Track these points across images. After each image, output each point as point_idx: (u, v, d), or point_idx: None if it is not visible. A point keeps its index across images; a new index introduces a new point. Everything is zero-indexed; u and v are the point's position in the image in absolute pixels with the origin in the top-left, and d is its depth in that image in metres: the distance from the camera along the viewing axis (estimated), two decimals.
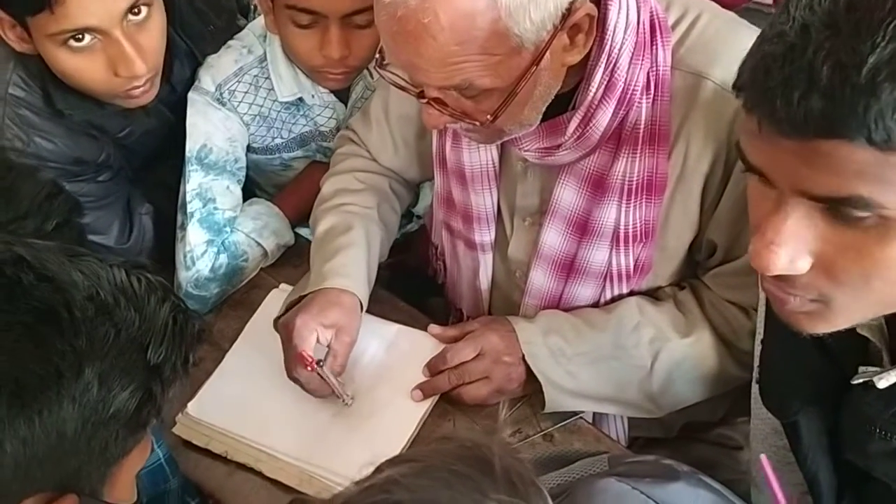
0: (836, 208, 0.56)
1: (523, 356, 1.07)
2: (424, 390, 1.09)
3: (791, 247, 0.58)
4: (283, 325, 1.08)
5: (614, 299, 1.11)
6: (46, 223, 0.86)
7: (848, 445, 0.79)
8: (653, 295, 1.12)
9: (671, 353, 1.06)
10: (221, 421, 1.09)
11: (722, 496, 0.71)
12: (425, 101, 0.92)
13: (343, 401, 1.09)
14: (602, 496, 0.68)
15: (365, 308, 1.14)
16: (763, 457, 0.70)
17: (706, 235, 1.03)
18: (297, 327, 1.06)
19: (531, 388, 1.07)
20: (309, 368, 1.05)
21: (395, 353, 1.16)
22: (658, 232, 1.03)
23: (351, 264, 1.14)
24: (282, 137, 1.40)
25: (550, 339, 1.07)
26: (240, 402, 1.11)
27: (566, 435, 1.03)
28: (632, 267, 1.06)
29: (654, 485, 0.69)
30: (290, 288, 1.21)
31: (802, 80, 0.52)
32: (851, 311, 0.63)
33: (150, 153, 1.36)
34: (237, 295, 1.33)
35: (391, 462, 0.53)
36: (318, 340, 1.07)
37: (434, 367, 1.10)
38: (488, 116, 0.90)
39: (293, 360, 1.06)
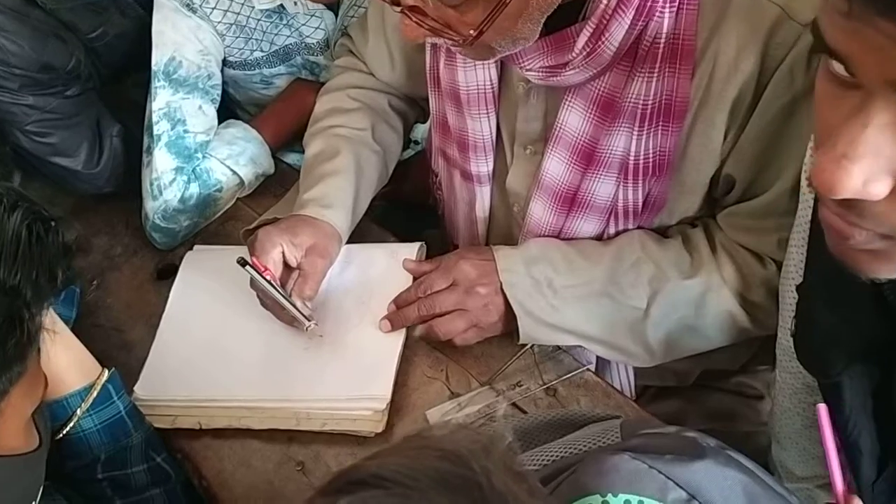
0: None
1: (501, 286, 0.96)
2: (392, 321, 0.99)
3: (867, 163, 0.45)
4: (250, 242, 0.99)
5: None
6: None
7: None
8: (661, 233, 0.99)
9: (670, 294, 0.94)
10: (180, 392, 0.98)
11: (753, 476, 0.60)
12: (400, 9, 0.78)
13: (306, 327, 0.98)
14: (613, 475, 0.58)
15: (345, 240, 1.04)
16: (821, 406, 0.59)
17: (725, 169, 0.90)
18: (259, 238, 0.97)
19: (516, 324, 0.96)
20: (267, 276, 0.94)
21: (371, 276, 1.06)
22: (674, 165, 0.90)
23: (333, 193, 1.03)
24: (262, 50, 1.26)
25: (537, 267, 0.96)
26: (195, 366, 1.00)
27: (571, 389, 0.93)
28: (640, 203, 0.94)
29: (674, 463, 0.58)
30: (206, 248, 1.14)
31: None
32: None
33: (122, 61, 1.24)
34: (211, 226, 1.23)
35: (351, 484, 0.41)
36: (285, 259, 0.97)
37: (404, 300, 1.00)
38: (471, 31, 0.77)
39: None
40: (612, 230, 0.98)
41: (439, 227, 1.26)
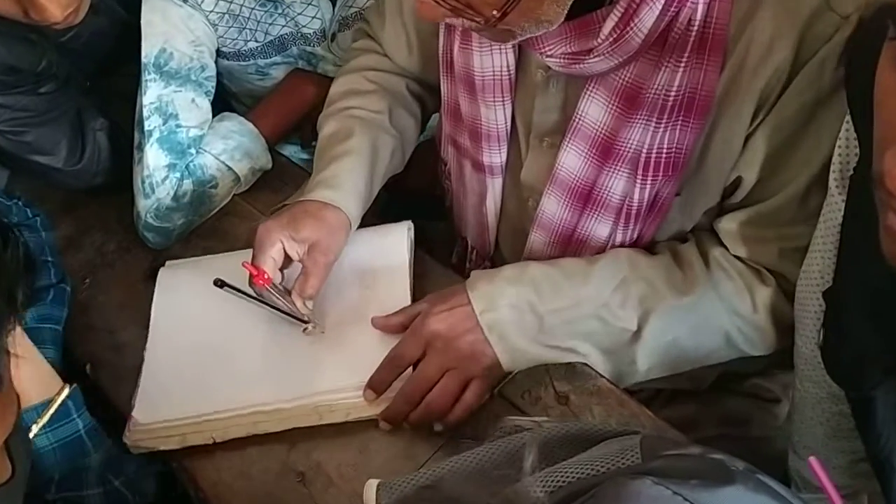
0: None
1: (480, 327, 0.87)
2: (389, 419, 0.89)
3: None
4: (252, 233, 0.94)
5: (622, 244, 0.94)
6: None
7: None
8: (649, 249, 0.94)
9: (664, 315, 0.88)
10: (184, 410, 0.93)
11: (785, 501, 0.56)
12: None
13: (305, 328, 0.94)
14: (634, 502, 0.53)
15: (355, 226, 0.99)
16: (812, 459, 0.55)
17: (735, 168, 0.85)
18: (259, 235, 0.92)
19: None
20: (259, 283, 0.91)
21: (366, 260, 1.01)
22: (691, 165, 0.85)
23: (343, 175, 0.98)
24: (256, 41, 1.21)
25: (516, 292, 0.88)
26: (196, 381, 0.95)
27: (584, 397, 0.88)
28: (646, 203, 0.88)
29: (701, 489, 0.54)
30: (178, 262, 1.09)
31: None
32: None
33: (105, 58, 1.19)
34: (208, 223, 1.19)
35: None
36: (286, 255, 0.93)
37: (379, 381, 0.89)
38: (494, 12, 0.72)
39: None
40: (618, 237, 0.93)
41: (446, 220, 1.21)
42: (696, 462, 0.58)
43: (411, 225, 1.06)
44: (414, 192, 1.34)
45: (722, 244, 0.91)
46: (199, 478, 0.91)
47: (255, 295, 0.94)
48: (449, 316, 0.89)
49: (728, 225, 0.89)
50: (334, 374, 0.92)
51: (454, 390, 0.86)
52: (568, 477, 0.62)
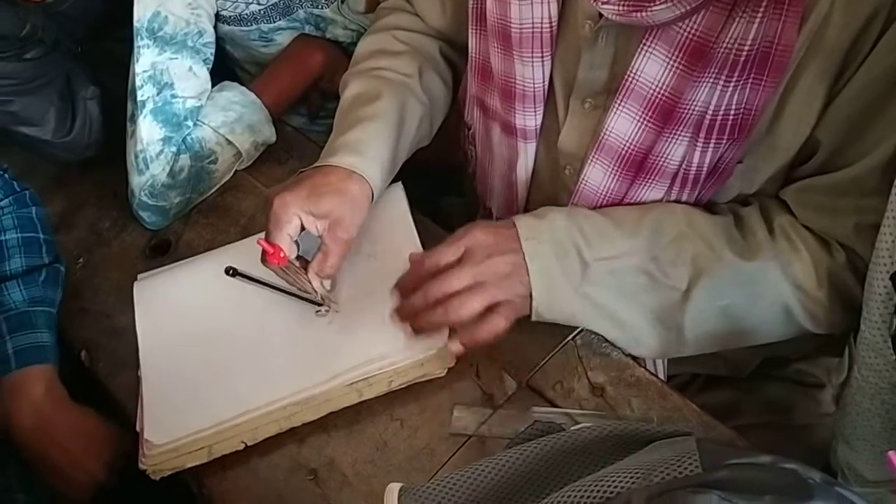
0: None
1: (524, 255, 0.80)
2: (401, 314, 0.84)
3: None
4: (268, 202, 0.86)
5: None
6: None
7: None
8: (707, 210, 0.86)
9: (719, 276, 0.80)
10: (205, 420, 0.85)
11: None
12: None
13: (317, 311, 0.88)
14: None
15: (377, 197, 0.91)
16: (892, 454, 0.48)
17: (813, 131, 0.76)
18: (274, 209, 0.84)
19: None
20: (275, 262, 0.83)
21: (368, 227, 0.93)
22: (760, 128, 0.76)
23: (368, 140, 0.89)
24: (259, 3, 1.13)
25: (565, 236, 0.81)
26: (210, 388, 0.88)
27: (621, 388, 0.81)
28: (707, 168, 0.80)
29: None
30: (151, 273, 1.02)
31: None
32: None
33: (96, 21, 1.12)
34: (209, 199, 1.12)
35: None
36: (302, 230, 0.86)
37: (407, 284, 0.83)
38: None
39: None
40: (671, 199, 0.85)
41: (464, 193, 1.13)
42: (767, 473, 0.51)
43: (401, 185, 0.99)
44: (426, 163, 1.25)
45: (789, 212, 0.82)
46: (204, 473, 0.85)
47: (267, 281, 0.87)
48: (494, 233, 0.82)
49: (799, 192, 0.81)
50: (361, 348, 0.86)
51: (477, 306, 0.79)
52: (618, 486, 0.55)
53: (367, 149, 0.88)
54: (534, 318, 0.82)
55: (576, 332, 0.86)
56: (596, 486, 0.56)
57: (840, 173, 0.76)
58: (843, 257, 0.79)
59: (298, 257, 0.88)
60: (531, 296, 0.80)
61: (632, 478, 0.55)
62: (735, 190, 0.85)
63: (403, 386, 0.85)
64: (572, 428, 0.69)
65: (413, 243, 0.93)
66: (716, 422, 0.77)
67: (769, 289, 0.80)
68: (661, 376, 0.94)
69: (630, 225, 0.82)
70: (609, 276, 0.81)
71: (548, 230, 0.81)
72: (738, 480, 0.50)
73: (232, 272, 0.87)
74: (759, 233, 0.81)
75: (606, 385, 0.82)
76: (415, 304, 0.81)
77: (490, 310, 0.79)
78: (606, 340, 0.84)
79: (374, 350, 0.85)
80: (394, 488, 0.65)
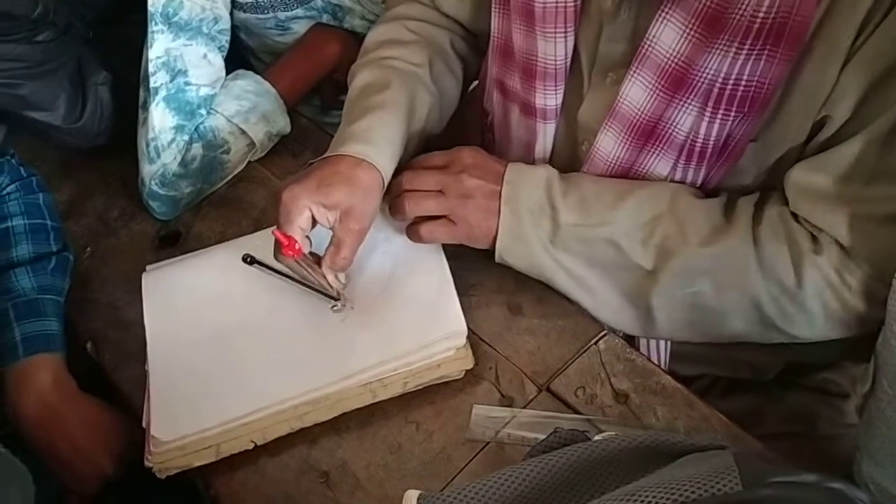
0: None
1: (500, 193, 0.85)
2: (391, 207, 0.90)
3: None
4: (276, 197, 0.84)
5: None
6: None
7: None
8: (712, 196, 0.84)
9: (684, 260, 0.79)
10: (212, 418, 0.83)
11: None
12: None
13: (333, 305, 0.86)
14: None
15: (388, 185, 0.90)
16: None
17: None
18: (284, 202, 0.81)
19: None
20: (290, 254, 0.81)
21: (389, 224, 0.93)
22: (771, 105, 0.74)
23: (378, 129, 0.87)
24: None
25: (546, 194, 0.84)
26: (219, 385, 0.85)
27: (646, 396, 0.78)
28: (714, 142, 0.77)
29: None
30: (161, 265, 0.97)
31: None
32: None
33: (109, 4, 1.09)
34: (221, 190, 1.10)
35: None
36: (314, 222, 0.84)
37: (396, 183, 0.89)
38: None
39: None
40: (677, 177, 0.83)
41: None
42: (813, 493, 0.49)
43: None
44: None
45: (786, 203, 0.79)
46: (210, 472, 0.83)
47: (284, 271, 0.85)
48: (483, 160, 0.88)
49: (793, 173, 0.78)
50: (376, 347, 0.84)
51: (432, 208, 0.87)
52: (652, 502, 0.52)
53: (377, 137, 0.86)
54: (497, 260, 0.86)
55: (599, 335, 0.83)
56: (626, 502, 0.53)
57: (841, 148, 0.73)
58: (836, 255, 0.76)
59: (311, 253, 0.86)
60: (495, 237, 0.85)
61: (665, 494, 0.52)
62: (749, 175, 0.82)
63: (419, 388, 0.83)
64: (597, 437, 0.67)
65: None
66: (744, 433, 0.75)
67: (737, 277, 0.78)
68: (663, 366, 0.92)
69: (612, 198, 0.82)
70: (577, 243, 0.83)
71: (532, 182, 0.84)
72: (782, 500, 0.48)
73: (249, 259, 0.85)
74: (742, 218, 0.79)
75: (630, 392, 0.79)
76: (391, 189, 0.88)
77: (444, 218, 0.86)
78: (631, 346, 0.82)
79: (389, 350, 0.83)
80: (412, 495, 0.62)
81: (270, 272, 0.86)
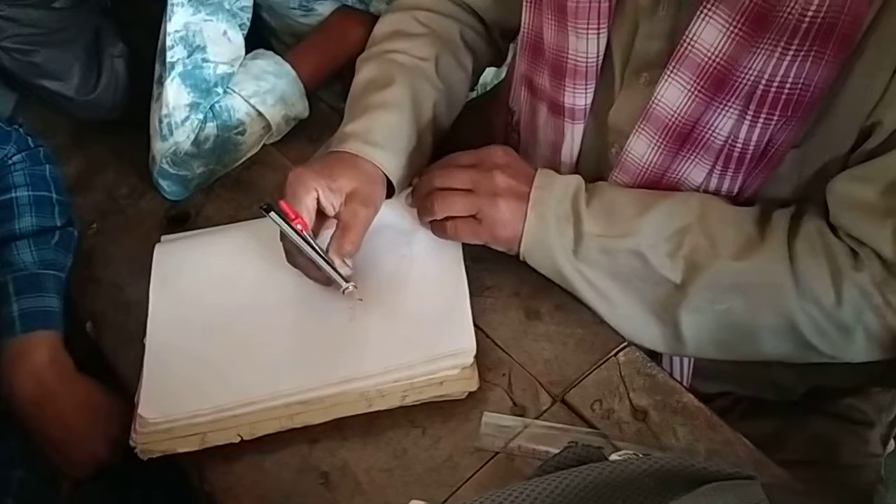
0: None
1: (528, 195, 0.82)
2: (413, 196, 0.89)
3: None
4: (280, 186, 0.83)
5: (717, 194, 0.80)
6: None
7: None
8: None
9: (714, 275, 0.75)
10: (201, 404, 0.80)
11: None
12: None
13: (343, 289, 0.83)
14: None
15: (399, 190, 0.88)
16: None
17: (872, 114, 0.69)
18: (290, 182, 0.81)
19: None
20: (299, 227, 0.80)
21: (395, 221, 0.91)
22: (814, 108, 0.70)
23: (379, 129, 0.87)
24: None
25: (573, 203, 0.81)
26: (212, 370, 0.82)
27: (666, 414, 0.74)
28: (754, 148, 0.73)
29: None
30: (175, 237, 0.95)
31: None
32: None
33: None
34: (233, 172, 1.07)
35: None
36: (320, 207, 0.82)
37: (424, 177, 0.87)
38: None
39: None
40: (712, 185, 0.79)
41: None
42: None
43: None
44: None
45: (826, 218, 0.76)
46: (206, 466, 0.80)
47: (300, 233, 0.81)
48: (514, 161, 0.85)
49: (836, 183, 0.74)
50: (380, 354, 0.81)
51: (459, 208, 0.84)
52: None
53: (378, 138, 0.86)
54: (520, 259, 0.84)
55: (619, 347, 0.80)
56: None
57: (890, 157, 0.69)
58: (878, 274, 0.72)
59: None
60: (519, 240, 0.82)
61: None
62: (788, 185, 0.78)
63: (417, 403, 0.79)
64: (613, 456, 0.63)
65: (453, 248, 0.88)
66: (768, 460, 0.71)
67: (772, 294, 0.74)
68: (685, 382, 0.88)
69: (637, 208, 0.79)
70: (600, 254, 0.79)
71: (561, 189, 0.82)
72: None
73: (266, 207, 0.81)
74: (778, 231, 0.76)
75: (650, 409, 0.75)
76: (420, 188, 0.87)
77: (472, 218, 0.83)
78: (652, 360, 0.78)
79: (393, 359, 0.80)
80: None
81: (287, 227, 0.82)
